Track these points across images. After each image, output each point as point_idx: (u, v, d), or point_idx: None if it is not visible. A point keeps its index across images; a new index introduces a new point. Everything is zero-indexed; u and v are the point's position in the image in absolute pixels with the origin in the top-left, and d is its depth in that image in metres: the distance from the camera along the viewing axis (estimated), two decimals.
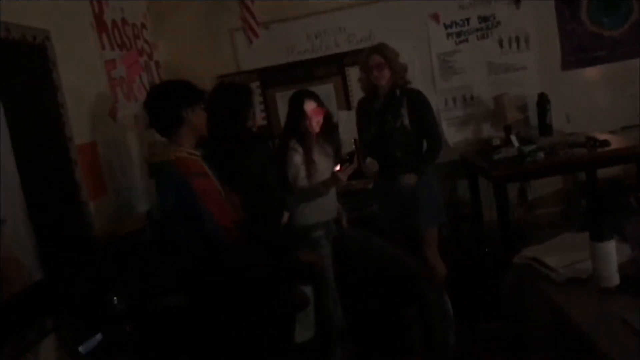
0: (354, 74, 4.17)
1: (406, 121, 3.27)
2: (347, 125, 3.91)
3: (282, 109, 4.16)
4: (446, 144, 4.26)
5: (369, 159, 3.18)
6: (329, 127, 3.13)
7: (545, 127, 4.12)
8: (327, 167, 3.01)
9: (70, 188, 2.66)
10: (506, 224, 3.67)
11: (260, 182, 2.75)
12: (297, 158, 2.99)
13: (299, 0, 4.32)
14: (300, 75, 4.37)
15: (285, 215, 2.97)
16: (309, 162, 2.98)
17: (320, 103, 3.09)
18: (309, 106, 3.04)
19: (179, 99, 2.41)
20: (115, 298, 2.40)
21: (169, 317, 2.47)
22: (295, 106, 3.07)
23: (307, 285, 2.82)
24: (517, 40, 4.31)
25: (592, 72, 4.32)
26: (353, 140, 3.79)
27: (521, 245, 2.38)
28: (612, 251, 1.77)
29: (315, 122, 3.05)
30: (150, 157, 2.44)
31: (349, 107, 4.36)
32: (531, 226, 4.36)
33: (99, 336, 2.24)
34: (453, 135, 4.40)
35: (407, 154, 3.30)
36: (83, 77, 3.02)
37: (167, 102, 2.41)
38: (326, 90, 4.36)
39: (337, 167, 2.90)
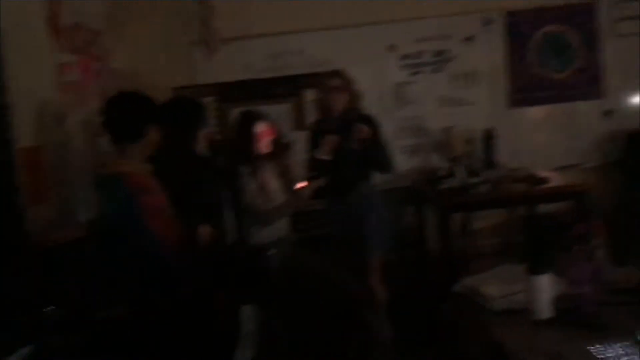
0: (310, 96, 4.22)
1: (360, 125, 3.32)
2: (302, 146, 3.95)
3: None
4: (396, 171, 4.36)
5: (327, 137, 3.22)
6: (279, 147, 3.14)
7: (490, 161, 4.27)
8: (279, 187, 3.03)
9: (9, 192, 2.57)
10: (448, 252, 3.77)
11: (206, 201, 2.73)
12: (251, 183, 2.98)
13: (260, 19, 4.36)
14: (257, 92, 4.38)
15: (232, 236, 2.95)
16: (263, 185, 2.99)
17: (268, 122, 3.09)
18: (258, 127, 3.03)
19: (143, 113, 2.38)
20: (50, 308, 2.31)
21: (108, 329, 2.41)
22: (243, 127, 3.06)
23: (253, 304, 2.80)
24: (468, 76, 4.48)
25: (536, 112, 4.54)
26: (307, 160, 3.85)
27: (463, 274, 2.46)
28: (548, 285, 1.85)
29: (265, 142, 3.05)
30: (99, 167, 2.39)
31: (304, 128, 4.40)
32: (473, 256, 4.48)
33: (30, 347, 2.15)
34: (403, 162, 4.48)
35: (358, 175, 3.36)
36: (33, 78, 2.93)
37: (132, 114, 2.37)
38: (282, 110, 4.40)
39: (303, 184, 2.91)
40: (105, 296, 2.56)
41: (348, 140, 3.33)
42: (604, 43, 4.49)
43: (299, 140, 4.11)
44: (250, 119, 3.09)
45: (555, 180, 3.90)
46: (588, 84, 4.50)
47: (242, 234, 3.01)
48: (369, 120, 3.42)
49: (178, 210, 2.49)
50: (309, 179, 2.94)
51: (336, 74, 3.37)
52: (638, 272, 2.24)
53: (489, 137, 4.30)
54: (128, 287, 2.38)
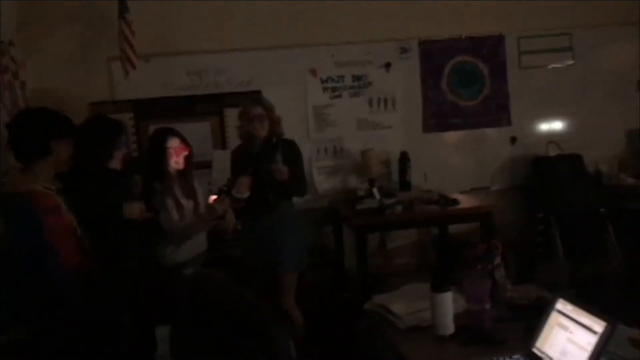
0: (231, 114, 4.24)
1: (279, 165, 3.38)
2: (222, 164, 3.95)
3: None
4: (315, 191, 4.44)
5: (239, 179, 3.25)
6: (192, 165, 3.16)
7: (405, 183, 4.44)
8: (191, 204, 3.02)
9: None
10: (364, 271, 3.87)
11: (116, 220, 2.68)
12: (167, 201, 2.97)
13: (182, 36, 4.35)
14: (177, 110, 4.34)
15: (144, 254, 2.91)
16: (178, 202, 2.97)
17: (182, 140, 3.10)
18: (171, 144, 3.04)
19: (48, 129, 2.32)
20: None
21: (6, 352, 2.31)
22: (157, 144, 3.06)
23: (166, 325, 2.76)
24: (386, 101, 4.65)
25: (448, 137, 4.77)
26: (226, 180, 3.84)
27: (378, 291, 2.53)
28: (449, 302, 1.96)
29: (180, 159, 3.06)
30: (3, 186, 2.31)
31: (224, 147, 4.40)
32: (389, 274, 4.61)
33: None
34: (322, 183, 4.59)
35: (277, 197, 3.40)
36: None
37: (35, 130, 2.31)
38: (203, 128, 4.39)
39: (213, 197, 2.92)
40: (5, 318, 2.45)
41: (268, 164, 3.37)
42: (511, 74, 4.80)
43: (219, 160, 4.14)
44: (163, 134, 3.08)
45: (465, 202, 4.10)
46: (496, 111, 4.78)
47: (156, 253, 2.96)
48: (290, 145, 3.48)
49: (88, 230, 2.43)
50: (218, 193, 2.95)
51: (258, 101, 3.41)
52: (536, 289, 2.40)
53: (403, 160, 4.47)
54: (29, 309, 2.29)
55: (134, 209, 2.73)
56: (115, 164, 2.81)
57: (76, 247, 2.32)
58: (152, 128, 4.26)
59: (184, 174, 3.12)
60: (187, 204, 3.06)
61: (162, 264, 2.99)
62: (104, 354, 2.25)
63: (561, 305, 1.75)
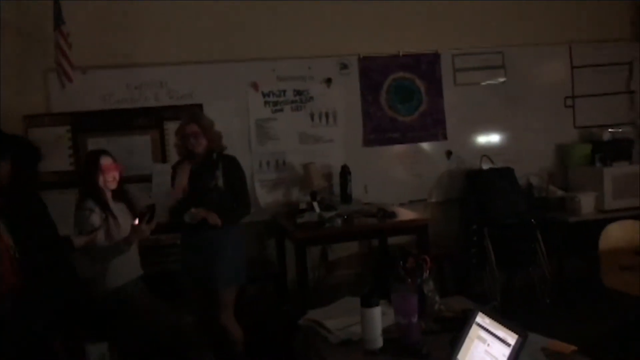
0: (171, 127, 4.22)
1: (220, 182, 3.39)
2: (162, 178, 3.92)
3: None
4: (258, 204, 4.47)
5: (193, 209, 3.27)
6: (124, 184, 3.21)
7: (345, 196, 4.53)
8: (127, 223, 3.01)
9: None
10: (305, 283, 3.92)
11: (42, 239, 2.64)
12: (94, 218, 2.96)
13: (120, 49, 4.31)
14: (116, 123, 4.30)
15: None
16: (107, 221, 2.96)
17: (114, 160, 3.17)
18: (103, 161, 3.10)
19: None
20: None
21: None
22: (90, 163, 3.11)
23: (104, 342, 2.74)
24: (327, 115, 4.74)
25: (387, 151, 4.89)
26: (146, 206, 3.81)
27: (319, 304, 2.58)
28: (377, 317, 2.03)
29: (111, 178, 3.10)
30: None
31: (164, 160, 4.38)
32: (331, 286, 4.68)
33: None
34: (265, 196, 4.62)
35: (218, 213, 3.39)
36: None
37: None
38: (143, 141, 4.36)
39: (136, 221, 2.93)
40: None
41: (210, 178, 3.37)
42: (446, 90, 4.97)
43: (159, 173, 4.11)
44: (96, 155, 3.16)
45: (403, 214, 4.22)
46: (432, 126, 4.94)
47: (82, 272, 2.93)
48: (231, 161, 3.49)
49: (20, 249, 2.39)
50: (141, 216, 2.97)
51: (194, 119, 3.41)
52: (464, 302, 2.51)
53: (344, 173, 4.57)
54: None
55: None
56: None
57: (10, 268, 2.27)
58: (90, 141, 4.23)
59: (117, 193, 3.16)
60: (123, 220, 3.05)
61: (98, 289, 2.96)
62: None
63: (480, 318, 1.85)
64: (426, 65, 4.92)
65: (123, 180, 3.25)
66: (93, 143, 4.20)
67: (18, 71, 4.17)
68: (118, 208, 3.13)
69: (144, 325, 2.66)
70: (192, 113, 3.57)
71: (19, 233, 2.38)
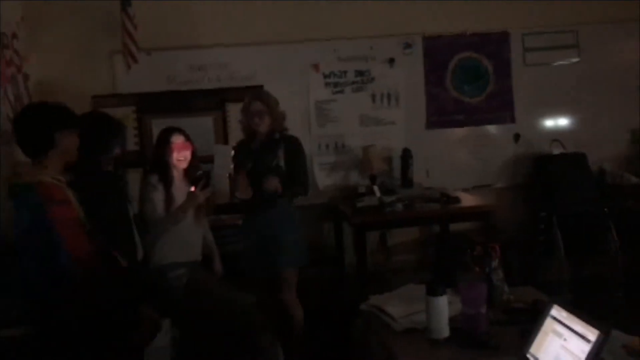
0: (233, 109, 4.24)
1: (281, 162, 3.36)
2: (224, 159, 3.94)
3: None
4: (316, 187, 4.44)
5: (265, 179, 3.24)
6: (195, 163, 3.18)
7: (406, 180, 4.43)
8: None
9: None
10: (363, 269, 3.87)
11: (113, 215, 2.70)
12: (154, 193, 3.01)
13: (184, 31, 4.34)
14: (179, 105, 4.33)
15: (140, 253, 2.92)
16: (168, 197, 2.99)
17: (187, 138, 3.14)
18: (175, 139, 3.09)
19: (52, 121, 2.33)
20: None
21: (13, 348, 2.33)
22: (162, 141, 3.11)
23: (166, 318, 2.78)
24: (389, 97, 4.63)
25: (451, 133, 4.75)
26: (228, 175, 3.84)
27: (378, 290, 2.53)
28: (444, 306, 1.95)
29: (182, 157, 3.09)
30: (12, 177, 2.32)
31: (226, 142, 4.40)
32: (389, 272, 4.61)
33: None
34: (323, 179, 4.58)
35: (277, 196, 3.37)
36: None
37: (39, 123, 2.32)
38: (205, 123, 4.38)
39: (192, 188, 2.94)
40: (9, 314, 2.48)
41: (272, 158, 3.35)
42: (515, 71, 4.76)
43: (220, 155, 4.14)
44: (169, 132, 3.14)
45: (467, 200, 4.08)
46: (500, 109, 4.75)
47: (146, 250, 2.98)
48: (292, 142, 3.43)
49: (91, 223, 2.44)
50: (194, 183, 2.98)
51: (259, 96, 3.39)
52: (533, 292, 2.39)
53: (406, 157, 4.46)
54: (33, 303, 2.31)
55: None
56: (108, 163, 2.84)
57: (83, 239, 2.33)
58: (154, 122, 4.29)
59: (188, 171, 3.15)
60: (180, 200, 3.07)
61: (152, 262, 3.01)
62: (110, 348, 2.26)
63: (556, 311, 1.74)
64: (494, 45, 4.72)
65: (197, 161, 3.21)
66: (157, 124, 4.24)
67: (86, 53, 4.28)
68: (184, 187, 3.13)
69: (206, 304, 2.68)
70: (258, 91, 3.55)
71: (88, 207, 2.43)
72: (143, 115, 4.32)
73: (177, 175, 3.14)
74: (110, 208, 2.67)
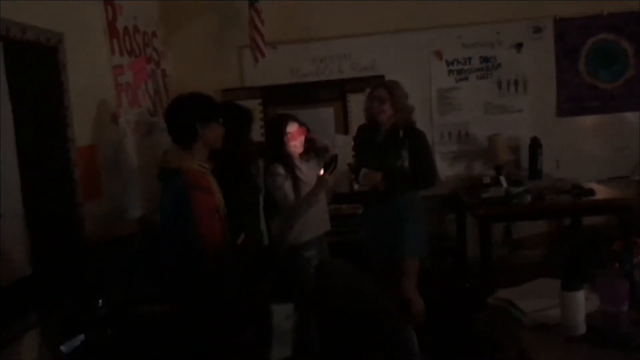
0: (354, 100, 4.28)
1: (406, 163, 3.30)
2: (343, 150, 4.00)
3: None
4: (438, 177, 4.35)
5: (364, 170, 3.28)
6: (312, 146, 3.26)
7: (535, 171, 4.22)
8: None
9: (67, 188, 2.72)
10: (488, 262, 3.75)
11: (245, 204, 2.82)
12: (281, 181, 3.11)
13: (307, 24, 4.44)
14: (302, 96, 4.47)
15: (265, 239, 3.05)
16: (295, 183, 3.08)
17: (300, 124, 3.22)
18: (290, 128, 3.17)
19: (194, 114, 2.49)
20: (99, 301, 2.45)
21: (151, 324, 2.52)
22: (276, 130, 3.21)
23: (289, 303, 2.88)
24: (516, 83, 4.43)
25: (584, 121, 4.45)
26: (347, 165, 3.88)
27: (501, 283, 2.45)
28: (581, 301, 1.85)
29: (298, 142, 3.18)
30: (163, 162, 2.52)
31: (346, 132, 4.46)
32: (514, 266, 4.44)
33: (81, 337, 2.29)
34: (445, 169, 4.49)
35: (400, 185, 3.34)
36: (90, 80, 3.08)
37: (183, 116, 2.50)
38: (326, 113, 4.48)
39: (322, 172, 3.01)
40: (149, 291, 2.68)
41: (396, 158, 3.29)
42: None
43: (341, 145, 4.22)
44: (282, 120, 3.23)
45: (602, 192, 3.82)
46: (638, 94, 4.37)
47: (274, 234, 3.09)
48: (418, 137, 3.35)
49: (229, 210, 2.58)
50: (325, 168, 3.06)
51: (385, 84, 3.38)
52: None
53: (534, 146, 4.25)
54: (171, 283, 2.49)
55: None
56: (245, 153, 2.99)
57: (219, 226, 2.46)
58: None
59: (306, 155, 3.25)
60: (313, 180, 3.15)
61: (284, 244, 3.11)
62: (236, 335, 2.39)
63: None
64: (635, 25, 4.34)
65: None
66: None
67: (216, 48, 4.52)
68: (307, 167, 3.22)
69: (336, 287, 2.72)
70: (387, 80, 3.55)
71: (225, 194, 2.57)
72: (268, 107, 4.50)
73: (297, 159, 3.23)
74: (244, 196, 2.81)
